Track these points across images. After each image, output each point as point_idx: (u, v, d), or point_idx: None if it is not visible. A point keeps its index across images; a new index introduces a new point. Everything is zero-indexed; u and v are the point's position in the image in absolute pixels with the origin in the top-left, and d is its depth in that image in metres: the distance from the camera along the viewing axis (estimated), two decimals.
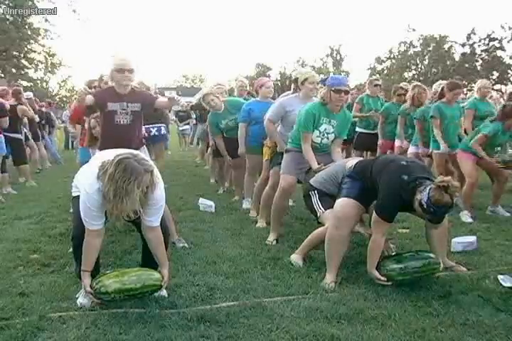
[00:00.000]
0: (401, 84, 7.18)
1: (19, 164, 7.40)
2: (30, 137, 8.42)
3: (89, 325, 2.49)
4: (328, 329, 2.44)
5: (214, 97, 5.55)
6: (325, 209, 3.49)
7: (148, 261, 2.97)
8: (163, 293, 2.90)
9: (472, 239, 3.97)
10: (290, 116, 4.41)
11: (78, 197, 2.76)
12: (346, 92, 3.88)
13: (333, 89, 3.83)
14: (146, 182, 2.51)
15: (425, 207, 2.81)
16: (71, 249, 3.75)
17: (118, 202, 2.46)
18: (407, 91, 6.53)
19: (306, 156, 3.95)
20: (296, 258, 3.56)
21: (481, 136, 4.94)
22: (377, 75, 42.06)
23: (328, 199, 3.50)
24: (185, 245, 3.93)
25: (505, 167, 4.94)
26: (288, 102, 4.49)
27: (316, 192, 3.61)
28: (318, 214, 3.56)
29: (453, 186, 2.77)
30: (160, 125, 6.07)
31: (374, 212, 3.09)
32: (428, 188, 2.80)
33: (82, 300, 2.79)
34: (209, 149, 7.44)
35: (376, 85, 6.95)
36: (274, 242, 4.10)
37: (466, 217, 4.92)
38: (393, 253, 3.48)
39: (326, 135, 4.02)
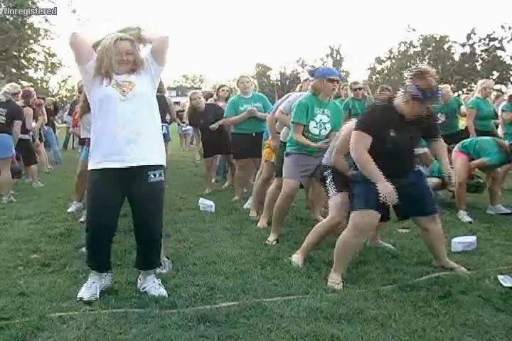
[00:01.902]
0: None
1: (30, 164, 7.44)
2: (37, 139, 8.50)
3: (89, 325, 2.49)
4: (328, 329, 2.44)
5: (201, 97, 6.29)
6: (336, 192, 3.48)
7: (143, 261, 3.02)
8: (163, 292, 2.90)
9: (472, 239, 3.97)
10: None
11: (92, 171, 2.84)
12: (338, 81, 4.02)
13: (326, 78, 3.93)
14: (125, 47, 2.79)
15: (419, 95, 2.88)
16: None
17: (101, 61, 2.78)
18: (390, 91, 6.58)
19: (301, 141, 3.96)
20: (296, 258, 3.55)
21: (481, 161, 5.03)
22: (377, 75, 42.10)
23: (341, 179, 3.48)
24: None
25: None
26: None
27: (330, 172, 3.57)
28: (330, 195, 3.58)
29: (428, 70, 2.93)
30: (162, 124, 6.01)
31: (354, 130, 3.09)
32: (409, 82, 2.91)
33: (82, 294, 2.81)
34: None
35: (355, 89, 6.78)
36: (275, 242, 4.10)
37: (464, 216, 4.93)
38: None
39: (322, 125, 4.03)
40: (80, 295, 2.83)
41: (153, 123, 2.92)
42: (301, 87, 5.08)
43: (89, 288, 2.86)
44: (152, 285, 2.95)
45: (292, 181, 4.10)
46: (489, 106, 6.66)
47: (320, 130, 4.03)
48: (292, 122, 4.04)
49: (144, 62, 2.87)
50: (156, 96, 3.05)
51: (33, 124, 8.12)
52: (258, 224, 4.70)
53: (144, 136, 2.81)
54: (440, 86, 7.23)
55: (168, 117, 6.18)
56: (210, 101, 7.20)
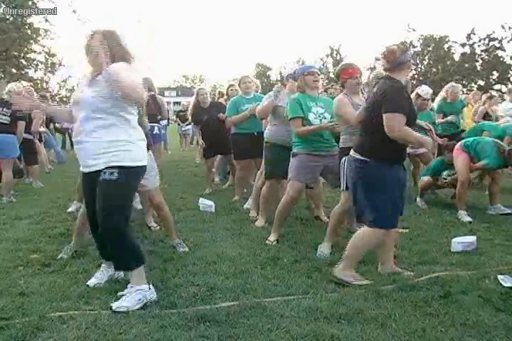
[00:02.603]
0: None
1: (31, 164, 7.45)
2: (36, 140, 8.51)
3: (89, 325, 2.49)
4: (328, 329, 2.44)
5: (208, 93, 6.46)
6: (347, 189, 3.49)
7: (111, 258, 3.02)
8: (118, 307, 2.75)
9: (472, 239, 3.97)
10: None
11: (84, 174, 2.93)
12: (318, 74, 4.16)
13: (305, 73, 4.08)
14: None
15: (411, 53, 3.18)
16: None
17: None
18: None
19: (305, 130, 3.96)
20: (323, 247, 3.69)
21: (480, 165, 5.08)
22: None
23: None
24: (186, 250, 3.88)
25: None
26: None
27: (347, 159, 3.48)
28: (342, 188, 3.64)
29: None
30: (154, 124, 6.00)
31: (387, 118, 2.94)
32: (397, 56, 3.03)
33: (89, 281, 3.05)
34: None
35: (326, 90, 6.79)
36: (275, 243, 4.10)
37: (464, 216, 4.93)
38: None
39: (321, 115, 4.05)
40: (88, 282, 3.09)
41: (103, 129, 2.78)
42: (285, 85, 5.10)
43: (97, 277, 3.13)
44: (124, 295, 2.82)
45: (297, 183, 4.05)
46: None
47: (321, 120, 4.02)
48: (290, 119, 4.06)
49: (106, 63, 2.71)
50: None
51: (42, 129, 8.23)
52: (256, 224, 4.70)
53: (89, 142, 2.80)
54: (453, 83, 7.24)
55: (159, 117, 6.19)
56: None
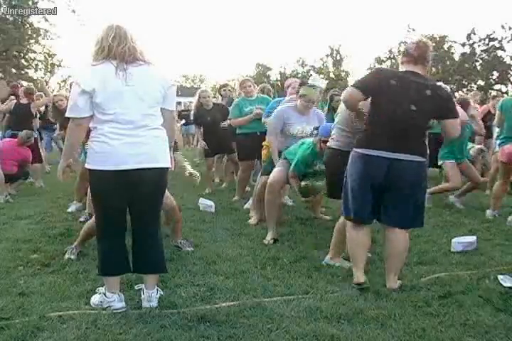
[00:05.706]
0: None
1: (33, 162, 7.44)
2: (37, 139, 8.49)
3: (89, 325, 2.49)
4: (328, 329, 2.44)
5: (210, 96, 6.49)
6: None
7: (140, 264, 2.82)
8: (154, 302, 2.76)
9: (472, 239, 3.98)
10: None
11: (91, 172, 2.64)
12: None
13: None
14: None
15: None
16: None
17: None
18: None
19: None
20: (336, 261, 3.46)
21: None
22: None
23: None
24: (191, 249, 3.88)
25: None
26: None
27: None
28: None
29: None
30: None
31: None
32: None
33: (94, 300, 2.78)
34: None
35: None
36: (272, 242, 4.08)
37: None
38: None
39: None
40: (93, 303, 2.78)
41: None
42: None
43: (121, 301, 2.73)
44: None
45: (277, 173, 4.25)
46: None
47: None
48: None
49: None
50: None
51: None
52: (249, 221, 4.74)
53: None
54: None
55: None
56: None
